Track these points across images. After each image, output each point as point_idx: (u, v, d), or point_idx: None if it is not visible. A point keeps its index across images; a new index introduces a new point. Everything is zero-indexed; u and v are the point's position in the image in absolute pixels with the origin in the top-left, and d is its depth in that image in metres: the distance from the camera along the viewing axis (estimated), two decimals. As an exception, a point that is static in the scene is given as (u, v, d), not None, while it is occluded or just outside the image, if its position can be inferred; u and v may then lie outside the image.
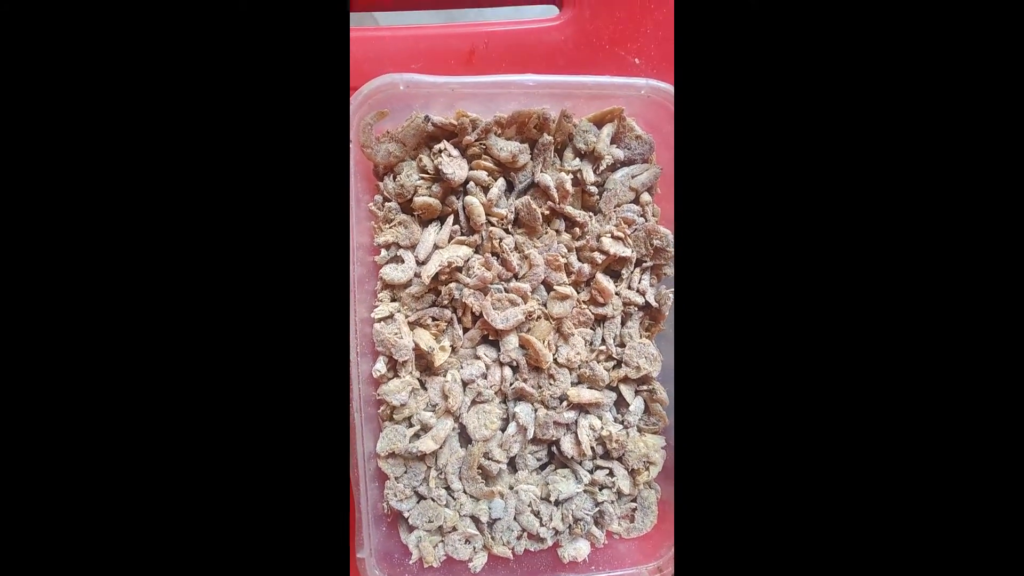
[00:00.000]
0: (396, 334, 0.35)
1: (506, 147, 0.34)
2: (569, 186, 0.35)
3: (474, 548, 0.37)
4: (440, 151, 0.34)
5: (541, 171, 0.35)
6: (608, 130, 0.36)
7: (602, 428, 0.38)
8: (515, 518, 0.37)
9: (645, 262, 0.38)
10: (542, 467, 0.39)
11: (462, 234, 0.36)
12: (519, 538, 0.38)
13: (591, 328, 0.38)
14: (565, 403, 0.37)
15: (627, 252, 0.37)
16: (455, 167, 0.34)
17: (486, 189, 0.35)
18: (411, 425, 0.36)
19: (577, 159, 0.36)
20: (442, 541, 0.37)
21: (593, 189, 0.36)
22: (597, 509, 0.38)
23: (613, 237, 0.37)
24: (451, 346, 0.37)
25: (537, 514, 0.38)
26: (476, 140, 0.34)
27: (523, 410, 0.37)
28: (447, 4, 0.43)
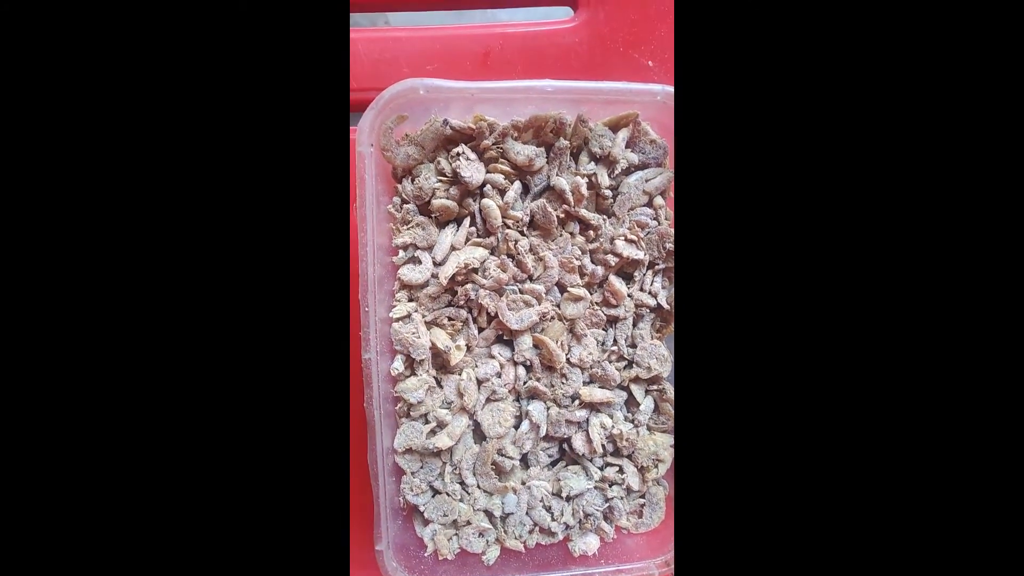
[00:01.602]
0: (414, 333, 0.35)
1: (523, 151, 0.35)
2: (584, 190, 0.36)
3: (487, 542, 0.38)
4: (458, 154, 0.34)
5: (557, 175, 0.36)
6: (623, 135, 0.36)
7: (613, 427, 0.39)
8: (527, 513, 0.38)
9: (657, 265, 0.38)
10: (553, 463, 0.40)
11: (478, 236, 0.37)
12: (531, 532, 0.39)
13: (603, 329, 0.39)
14: (577, 402, 0.38)
15: (639, 255, 0.37)
16: (472, 170, 0.35)
17: (502, 192, 0.36)
18: (427, 422, 0.37)
19: (592, 163, 0.36)
20: (456, 534, 0.38)
21: (607, 192, 0.37)
22: (607, 505, 0.39)
23: (626, 240, 0.37)
24: (466, 345, 0.37)
25: (548, 509, 0.39)
26: (493, 144, 0.35)
27: (536, 408, 0.38)
28: (456, 4, 0.43)
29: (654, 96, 0.35)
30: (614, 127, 0.37)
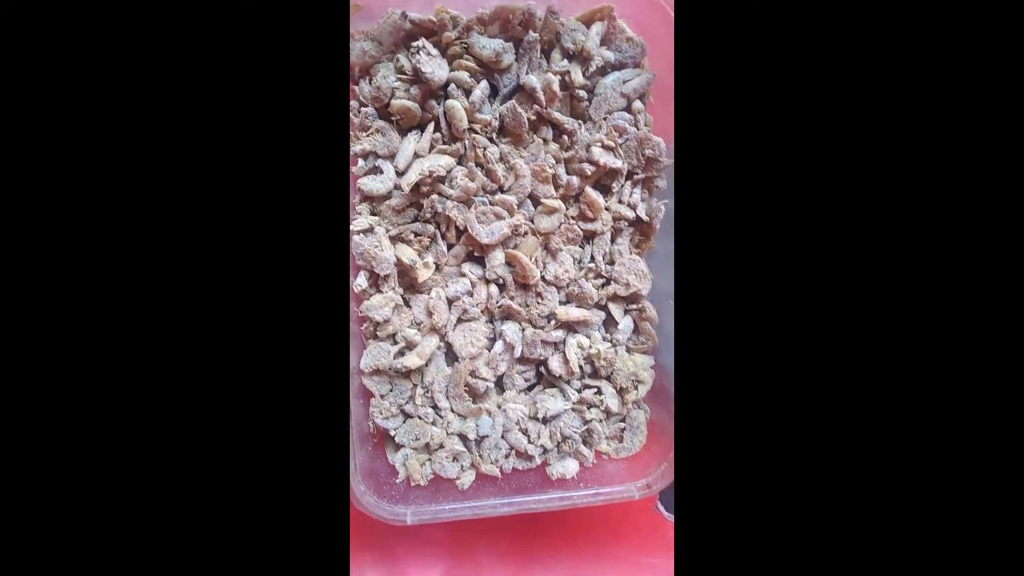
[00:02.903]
0: (376, 247, 0.33)
1: (489, 45, 0.32)
2: (556, 87, 0.33)
3: (462, 466, 0.37)
4: (418, 49, 0.32)
5: (527, 73, 0.33)
6: (597, 29, 0.34)
7: (590, 347, 0.37)
8: (503, 436, 0.37)
9: (636, 174, 0.36)
10: (530, 388, 0.39)
11: (444, 143, 0.34)
12: (507, 456, 0.37)
13: (580, 245, 0.37)
14: (553, 322, 0.37)
15: (617, 163, 0.35)
16: (434, 66, 0.32)
17: (468, 92, 0.33)
18: (396, 343, 0.35)
19: (565, 60, 0.34)
20: (429, 459, 0.37)
21: (582, 94, 0.34)
22: (585, 428, 0.38)
23: (603, 147, 0.35)
24: (435, 263, 0.35)
25: (525, 432, 0.37)
26: (457, 38, 0.32)
27: (510, 328, 0.36)
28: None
29: (630, -15, 0.32)
30: (587, 21, 0.34)
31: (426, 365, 0.36)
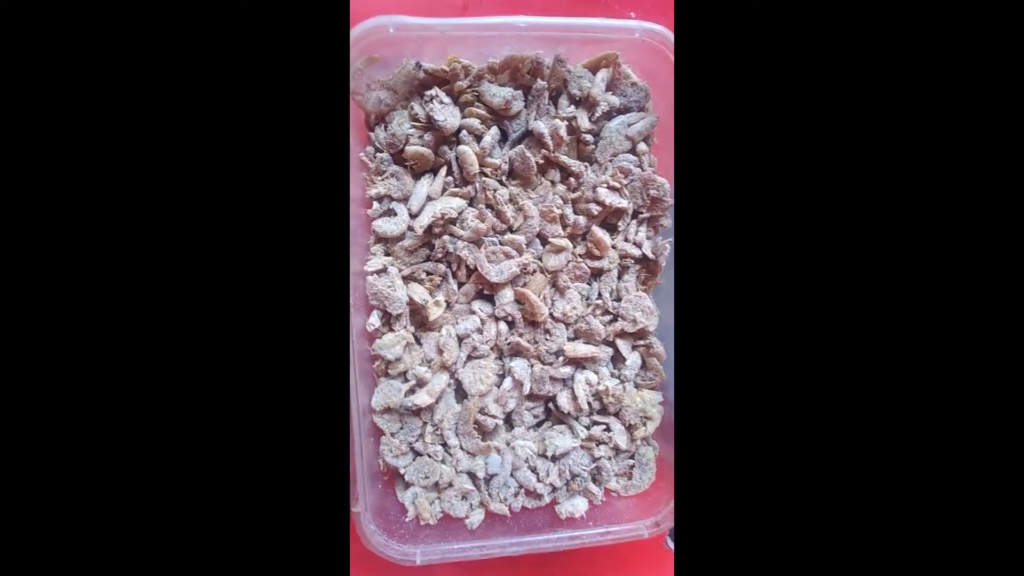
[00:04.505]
0: (390, 287, 0.34)
1: (499, 93, 0.34)
2: (564, 133, 0.34)
3: (471, 505, 0.37)
4: (432, 98, 0.33)
5: (535, 118, 0.35)
6: (603, 75, 0.35)
7: (599, 383, 0.37)
8: (512, 474, 0.37)
9: (642, 213, 0.37)
10: (539, 424, 0.39)
11: (455, 185, 0.35)
12: (516, 495, 0.37)
13: (587, 282, 0.37)
14: (561, 358, 0.37)
15: (623, 203, 0.36)
16: (447, 114, 0.33)
17: (479, 138, 0.35)
18: (406, 380, 0.36)
19: (572, 106, 0.35)
20: (439, 498, 0.37)
21: (588, 138, 0.36)
22: (594, 465, 0.38)
23: (609, 187, 0.36)
24: (446, 301, 0.36)
25: (534, 470, 0.37)
26: (468, 87, 0.34)
27: (519, 365, 0.36)
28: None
29: (632, 34, 0.33)
30: (593, 68, 0.35)
31: (436, 403, 0.36)
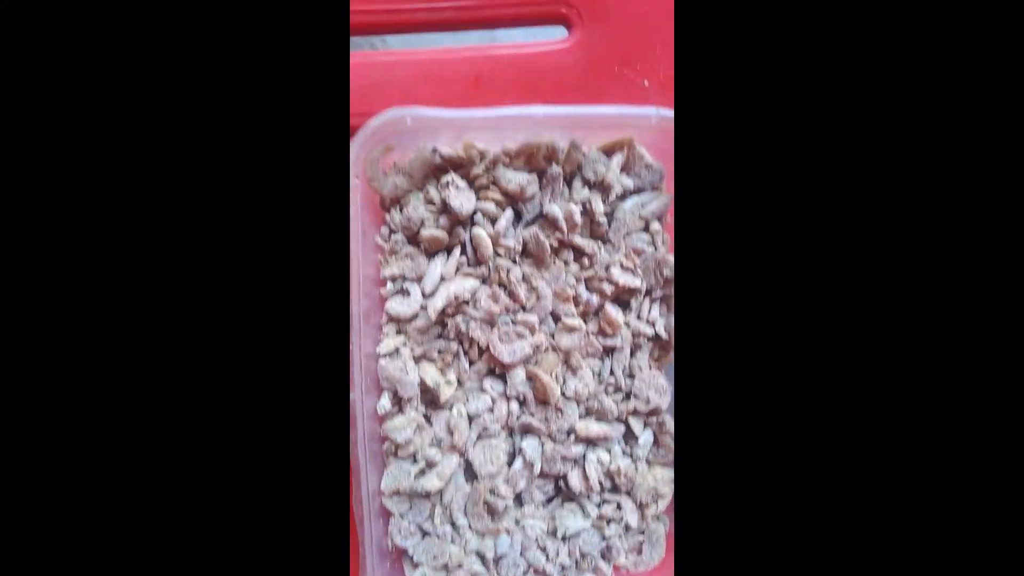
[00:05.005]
0: (401, 370, 0.34)
1: (514, 178, 0.34)
2: (578, 217, 0.34)
3: (480, 585, 0.37)
4: (448, 183, 0.33)
5: (550, 202, 0.35)
6: (618, 159, 0.35)
7: (610, 462, 0.37)
8: (521, 554, 0.37)
9: (654, 292, 0.37)
10: (548, 500, 0.38)
11: (469, 265, 0.35)
12: (525, 574, 0.37)
13: (599, 359, 0.37)
14: (573, 436, 0.37)
15: (636, 283, 0.36)
16: (462, 199, 0.33)
17: (494, 220, 0.35)
18: (416, 461, 0.35)
19: (586, 189, 0.35)
20: (447, 578, 0.36)
21: (602, 219, 0.35)
22: (604, 544, 0.38)
23: (622, 267, 0.36)
24: (457, 379, 0.36)
25: (544, 549, 0.37)
26: (484, 171, 0.34)
27: (530, 445, 0.36)
28: (451, 26, 0.42)
29: (648, 120, 0.34)
30: (608, 152, 0.35)
31: (445, 484, 0.36)
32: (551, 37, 0.42)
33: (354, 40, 0.42)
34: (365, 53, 0.41)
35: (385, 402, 0.34)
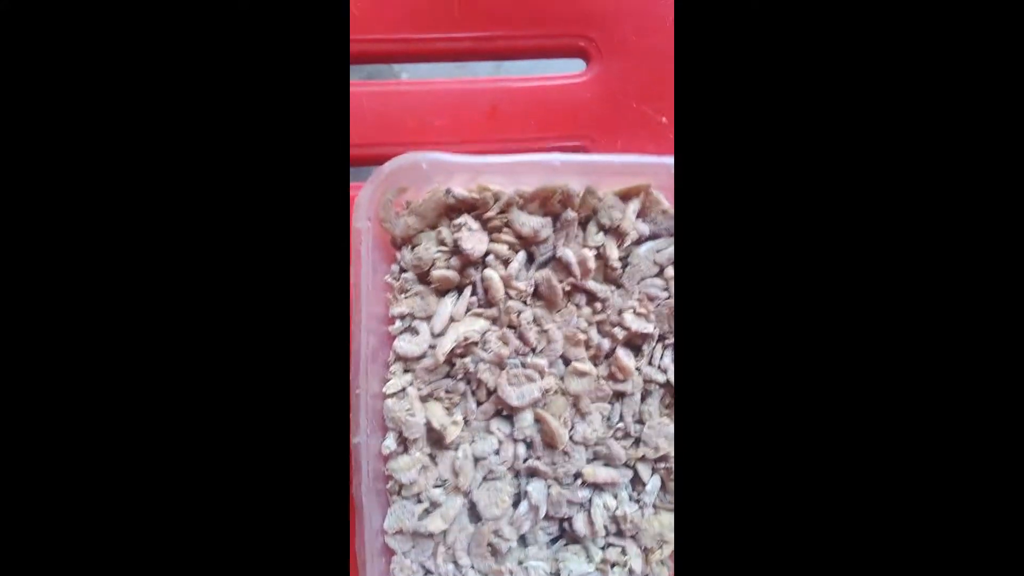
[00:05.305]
0: (408, 411, 0.34)
1: (528, 222, 0.33)
2: (592, 263, 0.34)
3: (480, 626, 0.36)
4: (460, 225, 0.33)
5: (563, 245, 0.34)
6: (634, 205, 0.35)
7: (617, 508, 0.37)
8: (524, 597, 0.36)
9: (667, 339, 0.36)
10: (552, 541, 0.38)
11: (479, 306, 0.35)
12: (527, 617, 0.37)
13: (609, 403, 0.37)
14: (579, 481, 0.36)
15: (649, 328, 0.35)
16: (475, 241, 0.33)
17: (506, 262, 0.34)
18: (419, 501, 0.35)
19: (601, 234, 0.35)
20: (448, 619, 0.36)
21: (616, 264, 0.35)
22: (608, 589, 0.37)
23: (635, 313, 0.35)
24: (464, 419, 0.36)
25: (546, 593, 0.37)
26: (497, 214, 0.33)
27: (536, 488, 0.36)
28: (470, 57, 0.42)
29: (667, 167, 0.33)
30: (624, 197, 0.35)
31: (449, 525, 0.35)
32: (569, 71, 0.41)
33: (376, 69, 0.41)
34: (379, 83, 0.40)
35: (390, 442, 0.34)
